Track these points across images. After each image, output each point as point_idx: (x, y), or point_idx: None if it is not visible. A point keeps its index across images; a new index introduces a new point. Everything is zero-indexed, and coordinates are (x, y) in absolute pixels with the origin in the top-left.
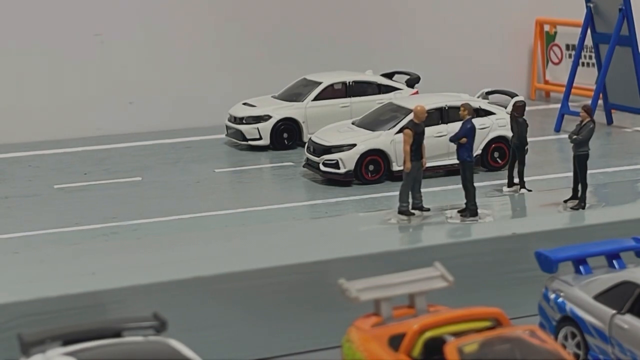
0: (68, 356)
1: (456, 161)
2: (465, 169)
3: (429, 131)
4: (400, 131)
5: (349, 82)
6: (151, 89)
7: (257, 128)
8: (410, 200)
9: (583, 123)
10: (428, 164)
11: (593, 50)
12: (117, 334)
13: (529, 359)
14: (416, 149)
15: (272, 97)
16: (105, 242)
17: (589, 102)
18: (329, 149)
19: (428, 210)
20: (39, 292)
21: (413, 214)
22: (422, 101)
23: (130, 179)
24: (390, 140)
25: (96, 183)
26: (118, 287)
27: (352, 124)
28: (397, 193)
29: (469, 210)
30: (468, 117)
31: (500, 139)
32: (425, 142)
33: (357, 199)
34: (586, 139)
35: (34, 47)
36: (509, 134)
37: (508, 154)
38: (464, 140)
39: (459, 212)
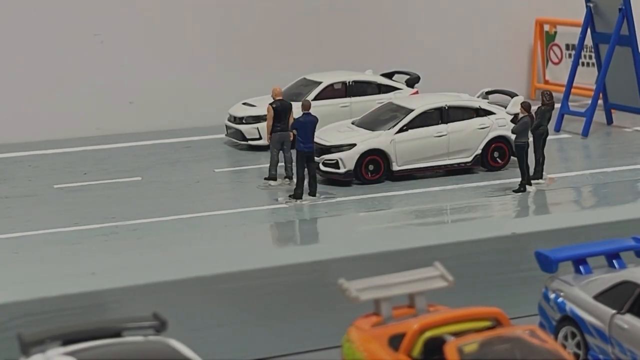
0: (68, 356)
1: (456, 161)
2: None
3: (429, 131)
4: (400, 131)
5: (349, 82)
6: (151, 89)
7: (257, 128)
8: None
9: (520, 117)
10: (428, 164)
11: (593, 50)
12: (117, 334)
13: (529, 359)
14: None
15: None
16: (105, 242)
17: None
18: (329, 149)
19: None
20: (39, 292)
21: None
22: (422, 101)
23: (130, 179)
24: (390, 140)
25: (96, 183)
26: (118, 287)
27: (352, 123)
28: (397, 193)
29: (295, 193)
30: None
31: (500, 138)
32: (425, 142)
33: (357, 199)
34: (519, 131)
35: (34, 47)
36: (509, 134)
37: (508, 154)
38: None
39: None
